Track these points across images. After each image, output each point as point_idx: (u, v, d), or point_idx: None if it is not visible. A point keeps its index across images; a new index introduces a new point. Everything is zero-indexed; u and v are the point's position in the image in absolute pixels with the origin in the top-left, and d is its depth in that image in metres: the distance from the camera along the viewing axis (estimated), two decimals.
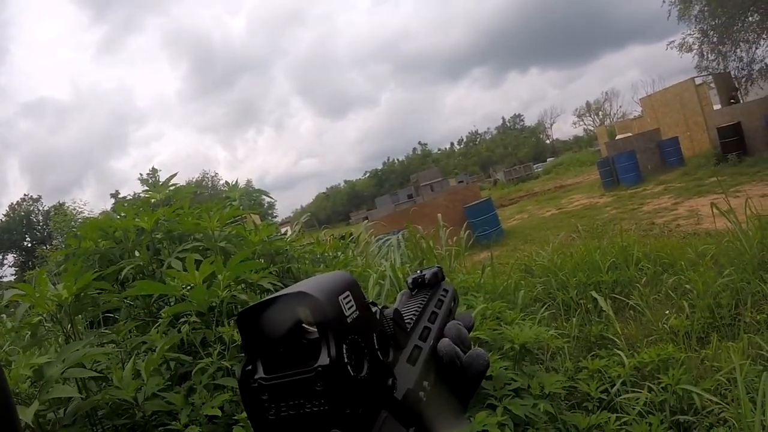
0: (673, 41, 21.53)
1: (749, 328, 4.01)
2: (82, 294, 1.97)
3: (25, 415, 1.31)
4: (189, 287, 2.08)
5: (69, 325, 1.96)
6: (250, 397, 0.38)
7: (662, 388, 3.23)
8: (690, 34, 20.74)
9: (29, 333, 2.01)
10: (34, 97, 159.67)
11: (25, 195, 49.04)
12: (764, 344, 3.45)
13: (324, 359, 0.36)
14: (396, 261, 4.58)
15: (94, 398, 1.63)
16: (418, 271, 0.65)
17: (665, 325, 4.33)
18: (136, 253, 2.71)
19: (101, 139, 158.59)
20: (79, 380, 1.72)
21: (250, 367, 0.39)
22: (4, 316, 2.65)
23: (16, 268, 52.10)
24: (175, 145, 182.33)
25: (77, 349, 1.59)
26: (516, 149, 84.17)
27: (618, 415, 3.06)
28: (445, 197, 19.38)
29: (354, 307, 0.40)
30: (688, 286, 4.93)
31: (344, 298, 0.39)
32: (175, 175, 3.38)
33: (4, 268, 56.69)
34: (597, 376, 3.51)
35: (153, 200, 3.27)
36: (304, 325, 0.40)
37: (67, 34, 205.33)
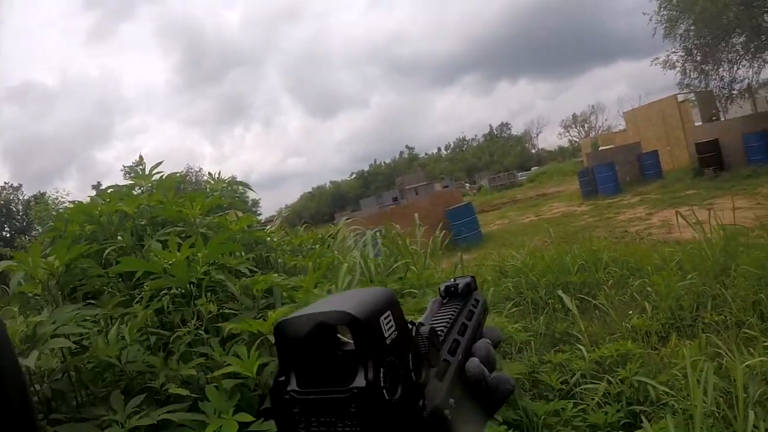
0: (658, 58, 21.79)
1: (708, 329, 4.20)
2: (73, 266, 2.11)
3: (28, 361, 1.45)
4: (170, 263, 2.20)
5: (58, 295, 2.08)
6: (281, 408, 0.39)
7: (620, 380, 3.38)
8: (674, 52, 21.03)
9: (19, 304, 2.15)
10: (19, 81, 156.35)
11: (5, 183, 47.97)
12: (721, 343, 3.61)
13: (360, 381, 0.37)
14: (369, 253, 4.71)
15: (80, 357, 1.76)
16: (452, 280, 0.65)
17: (628, 325, 4.52)
18: (120, 237, 2.80)
19: (86, 129, 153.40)
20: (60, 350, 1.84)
21: (282, 378, 0.40)
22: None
23: None
24: (160, 138, 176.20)
25: (68, 312, 1.73)
26: (502, 157, 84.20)
27: (576, 401, 3.23)
28: (428, 200, 19.47)
29: (393, 328, 0.40)
30: (651, 288, 5.14)
31: (385, 318, 0.39)
32: (160, 163, 3.44)
33: None
34: (559, 369, 3.68)
35: (137, 188, 3.34)
36: (338, 335, 0.40)
37: (58, 18, 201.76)
